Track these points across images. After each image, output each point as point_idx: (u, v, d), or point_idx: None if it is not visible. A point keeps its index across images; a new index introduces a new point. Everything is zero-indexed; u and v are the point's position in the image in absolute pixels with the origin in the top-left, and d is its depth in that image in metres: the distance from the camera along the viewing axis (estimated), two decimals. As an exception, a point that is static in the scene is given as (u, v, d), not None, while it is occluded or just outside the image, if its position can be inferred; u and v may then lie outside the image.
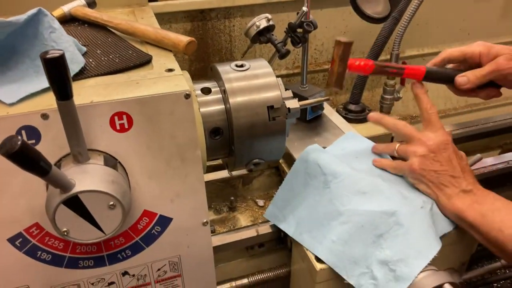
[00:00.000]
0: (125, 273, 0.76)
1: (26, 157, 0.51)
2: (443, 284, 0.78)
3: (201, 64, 1.55)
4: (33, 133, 0.62)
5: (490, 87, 0.92)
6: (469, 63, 0.93)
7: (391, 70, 0.92)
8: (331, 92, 1.78)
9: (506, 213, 0.79)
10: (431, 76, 0.93)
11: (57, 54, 0.52)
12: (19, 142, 0.49)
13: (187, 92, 0.67)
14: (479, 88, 0.92)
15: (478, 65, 0.91)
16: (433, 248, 0.82)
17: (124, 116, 0.65)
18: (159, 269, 0.78)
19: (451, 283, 0.78)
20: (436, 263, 0.81)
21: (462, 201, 0.84)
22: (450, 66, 0.96)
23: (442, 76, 0.93)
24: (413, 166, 0.89)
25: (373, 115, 0.98)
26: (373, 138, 1.08)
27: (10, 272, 0.69)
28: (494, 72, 0.88)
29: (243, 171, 1.24)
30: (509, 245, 0.77)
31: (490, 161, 1.25)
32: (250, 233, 1.02)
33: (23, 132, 0.62)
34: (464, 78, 0.90)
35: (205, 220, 0.77)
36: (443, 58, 0.93)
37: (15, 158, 0.50)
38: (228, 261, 1.06)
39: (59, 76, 0.53)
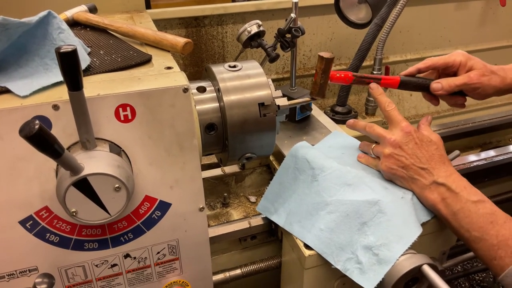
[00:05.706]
0: (127, 256, 0.80)
1: (43, 139, 0.55)
2: (422, 264, 0.82)
3: (195, 69, 1.58)
4: (45, 122, 0.66)
5: (458, 95, 1.03)
6: (448, 70, 1.02)
7: (367, 81, 1.01)
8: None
9: (476, 215, 0.82)
10: (405, 85, 1.03)
11: (70, 49, 0.57)
12: (37, 126, 0.54)
13: (185, 87, 0.73)
14: (449, 95, 1.02)
15: (455, 73, 1.01)
16: (414, 233, 0.85)
17: (128, 108, 0.70)
18: (158, 252, 0.82)
19: (429, 264, 0.82)
20: (417, 251, 0.84)
21: (434, 195, 0.87)
22: (420, 75, 1.05)
23: (416, 84, 1.03)
24: (381, 166, 0.94)
25: (348, 122, 1.04)
26: (358, 137, 1.13)
27: (21, 253, 0.73)
28: (466, 85, 0.98)
29: (236, 169, 1.29)
30: (473, 245, 0.83)
31: (471, 158, 1.32)
32: (243, 224, 1.05)
33: (35, 121, 0.67)
34: (438, 85, 0.99)
35: (201, 206, 0.82)
36: (429, 65, 1.02)
37: (34, 140, 0.54)
38: (222, 253, 1.10)
39: (71, 69, 0.58)
